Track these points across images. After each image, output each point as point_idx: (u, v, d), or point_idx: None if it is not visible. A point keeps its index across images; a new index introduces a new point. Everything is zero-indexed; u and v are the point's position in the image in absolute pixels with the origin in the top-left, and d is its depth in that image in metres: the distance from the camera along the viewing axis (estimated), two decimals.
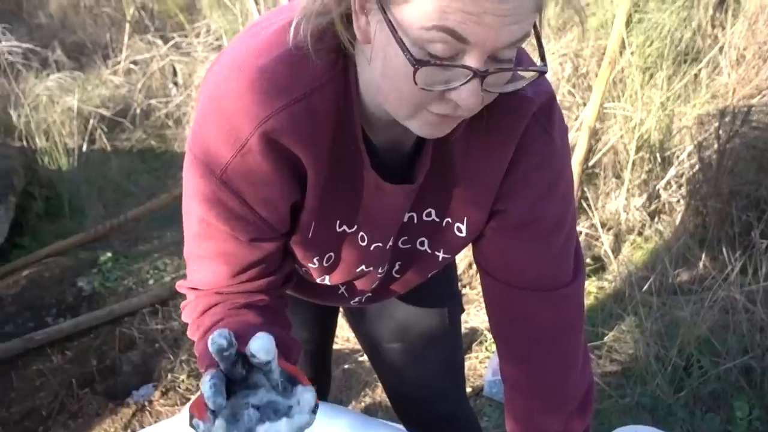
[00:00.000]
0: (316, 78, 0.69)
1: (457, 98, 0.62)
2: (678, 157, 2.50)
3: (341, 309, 1.32)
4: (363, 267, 0.90)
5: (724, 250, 2.08)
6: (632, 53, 2.26)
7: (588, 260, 2.42)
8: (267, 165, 0.71)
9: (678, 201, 2.54)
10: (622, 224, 2.51)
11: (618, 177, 2.54)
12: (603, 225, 2.50)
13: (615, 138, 2.41)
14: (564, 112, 2.74)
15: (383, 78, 0.65)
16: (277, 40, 0.70)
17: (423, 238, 0.89)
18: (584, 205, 2.51)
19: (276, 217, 0.77)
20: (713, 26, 2.38)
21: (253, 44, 0.71)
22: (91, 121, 3.26)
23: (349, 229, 0.84)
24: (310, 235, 0.82)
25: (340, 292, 0.99)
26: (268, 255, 0.81)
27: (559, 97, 2.66)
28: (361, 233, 0.85)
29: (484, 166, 0.80)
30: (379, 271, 0.92)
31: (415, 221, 0.86)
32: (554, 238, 0.86)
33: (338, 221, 0.83)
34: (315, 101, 0.70)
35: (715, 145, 2.35)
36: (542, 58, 0.65)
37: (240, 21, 3.19)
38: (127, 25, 4.44)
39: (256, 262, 0.80)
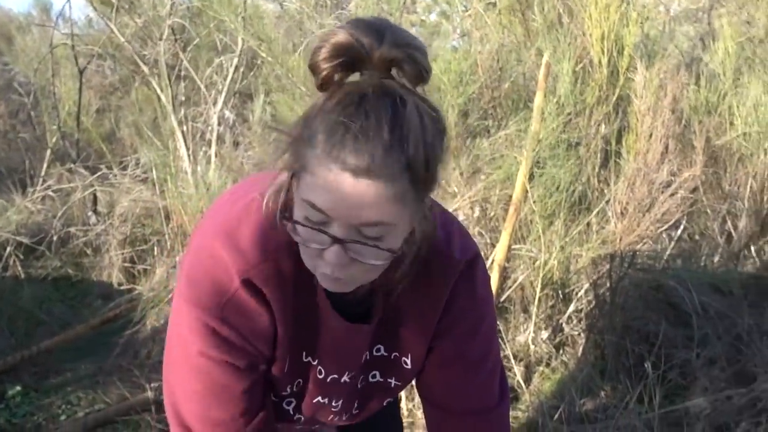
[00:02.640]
0: (282, 240, 0.86)
1: (326, 258, 0.78)
2: (577, 294, 2.77)
3: None
4: (319, 398, 1.02)
5: (622, 379, 2.29)
6: (534, 202, 2.57)
7: None
8: (253, 302, 0.87)
9: (579, 334, 2.78)
10: (531, 356, 2.71)
11: (526, 311, 2.77)
12: (515, 356, 2.68)
13: (522, 276, 2.67)
14: None
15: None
16: (253, 209, 0.88)
17: (375, 371, 1.03)
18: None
19: (265, 345, 0.92)
20: (599, 181, 2.77)
21: (234, 211, 0.90)
22: (8, 248, 3.20)
23: (313, 361, 0.98)
24: (286, 369, 0.96)
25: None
26: (256, 383, 0.93)
27: None
28: (320, 366, 0.99)
29: (424, 312, 0.98)
30: (333, 404, 1.04)
31: (368, 357, 1.01)
32: (480, 368, 1.04)
33: (304, 352, 0.97)
34: (282, 258, 0.87)
35: (608, 284, 2.64)
36: (406, 242, 0.82)
37: (171, 157, 3.32)
38: (48, 152, 4.46)
39: (247, 390, 0.92)
